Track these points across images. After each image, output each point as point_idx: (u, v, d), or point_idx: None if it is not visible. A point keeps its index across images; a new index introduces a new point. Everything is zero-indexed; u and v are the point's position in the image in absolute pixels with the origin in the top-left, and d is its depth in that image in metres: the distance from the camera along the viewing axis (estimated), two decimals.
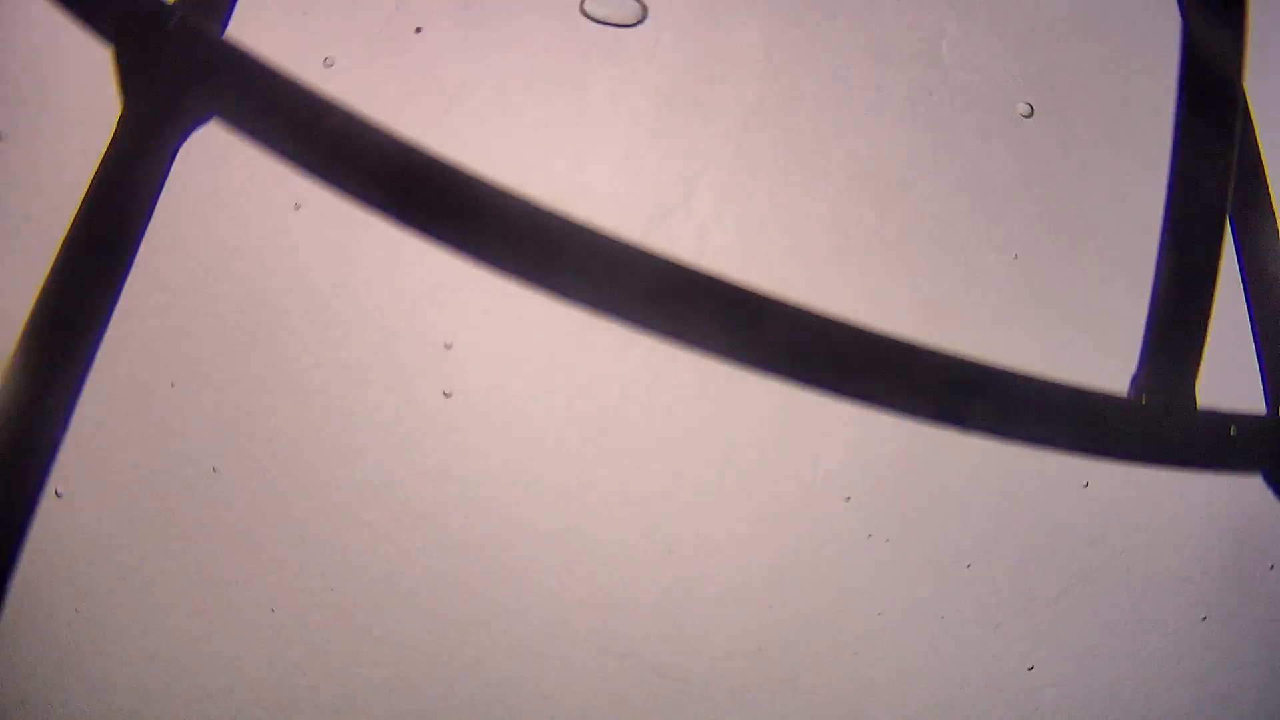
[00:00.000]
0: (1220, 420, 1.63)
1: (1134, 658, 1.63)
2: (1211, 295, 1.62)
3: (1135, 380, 1.60)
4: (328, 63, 1.53)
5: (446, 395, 1.51)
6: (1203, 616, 1.65)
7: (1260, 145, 1.70)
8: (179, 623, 1.48)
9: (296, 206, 1.51)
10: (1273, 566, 1.69)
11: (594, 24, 1.59)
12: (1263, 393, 1.69)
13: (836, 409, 1.53)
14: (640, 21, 1.58)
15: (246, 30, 1.54)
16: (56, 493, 1.47)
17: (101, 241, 1.54)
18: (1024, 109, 1.61)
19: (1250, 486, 1.67)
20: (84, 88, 1.58)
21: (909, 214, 1.59)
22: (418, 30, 1.57)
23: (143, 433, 1.51)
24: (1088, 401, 1.56)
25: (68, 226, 1.52)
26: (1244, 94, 1.68)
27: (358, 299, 1.52)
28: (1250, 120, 1.70)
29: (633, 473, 1.54)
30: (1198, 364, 1.61)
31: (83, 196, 1.53)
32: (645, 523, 1.54)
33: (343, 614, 1.49)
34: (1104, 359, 1.58)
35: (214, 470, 1.49)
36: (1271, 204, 1.71)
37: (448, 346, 1.52)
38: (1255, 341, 1.71)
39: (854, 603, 1.55)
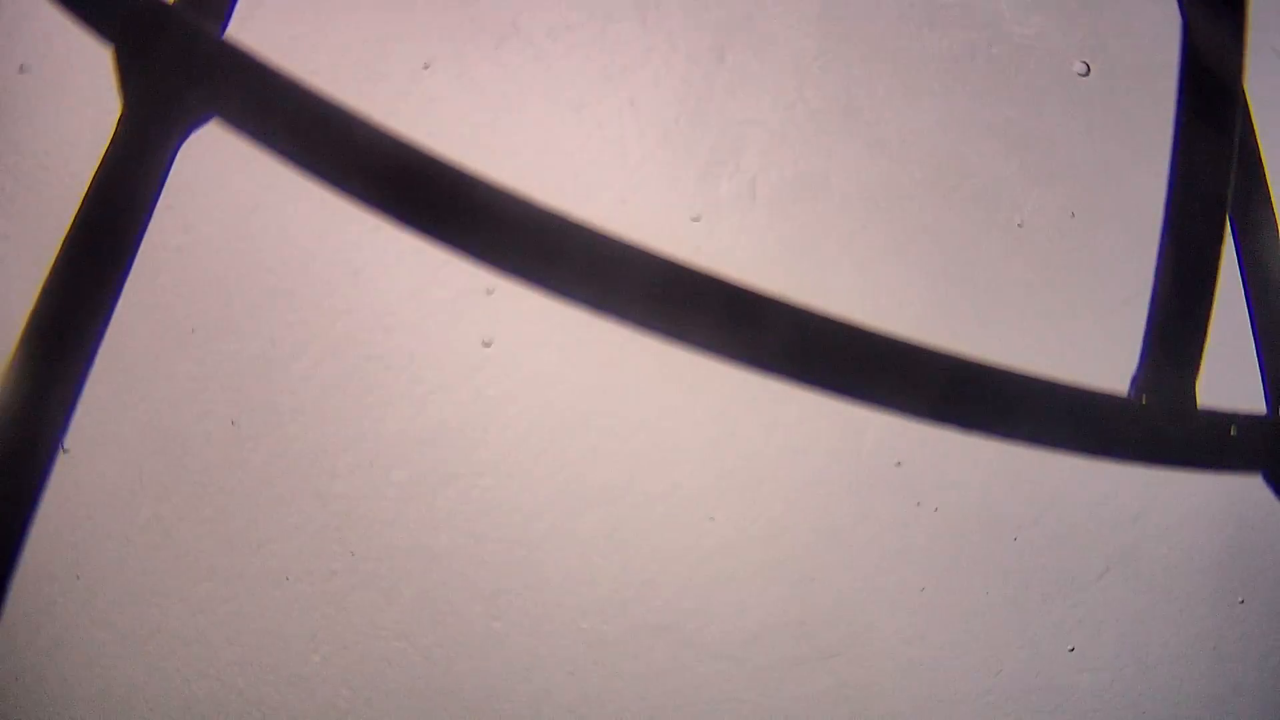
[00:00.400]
0: (1220, 420, 1.62)
1: (1171, 642, 1.61)
2: (1211, 295, 1.61)
3: (1135, 380, 1.60)
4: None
5: (486, 344, 1.46)
6: (1240, 600, 1.64)
7: (1260, 145, 1.70)
8: (186, 591, 1.43)
9: None
10: None
11: None
12: (1263, 393, 1.69)
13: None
14: None
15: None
16: (63, 448, 1.44)
17: (101, 241, 1.54)
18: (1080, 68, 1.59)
19: None
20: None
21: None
22: None
23: (156, 382, 1.46)
24: (1088, 401, 1.56)
25: (68, 226, 1.52)
26: (1244, 94, 1.68)
27: (394, 239, 1.47)
28: (1250, 120, 1.70)
29: (674, 435, 1.49)
30: (1198, 364, 1.61)
31: (83, 196, 1.53)
32: (686, 488, 1.49)
33: (362, 581, 1.43)
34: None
35: (232, 424, 1.44)
36: (1271, 203, 1.71)
37: (489, 292, 1.47)
38: (1255, 342, 1.70)
39: (898, 576, 1.52)
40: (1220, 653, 1.62)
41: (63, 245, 1.52)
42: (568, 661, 1.45)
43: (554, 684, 1.45)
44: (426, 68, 1.56)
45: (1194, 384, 1.61)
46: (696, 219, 1.50)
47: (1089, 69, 1.60)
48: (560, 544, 1.45)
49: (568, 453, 1.47)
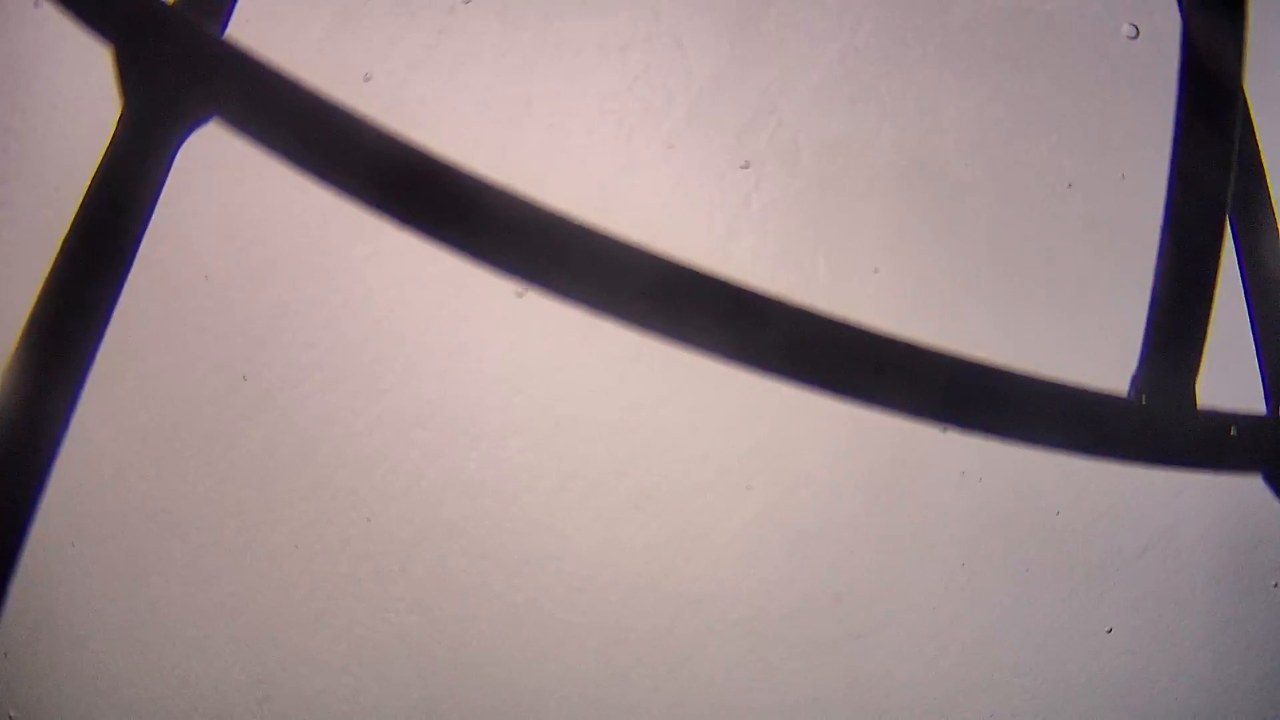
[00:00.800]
0: (1220, 420, 1.62)
1: (1208, 623, 1.60)
2: (1211, 295, 1.62)
3: (1135, 380, 1.60)
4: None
5: (519, 295, 1.42)
6: (1275, 583, 1.63)
7: (1260, 145, 1.70)
8: (186, 562, 1.37)
9: None
10: None
11: None
12: (1263, 393, 1.69)
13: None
14: None
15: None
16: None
17: (101, 241, 1.54)
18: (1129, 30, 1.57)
19: None
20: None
21: None
22: None
23: (162, 334, 1.41)
24: (1087, 401, 1.56)
25: (68, 226, 1.52)
26: (1244, 94, 1.68)
27: None
28: (1250, 120, 1.70)
29: (709, 401, 1.44)
30: (1198, 364, 1.61)
31: (82, 195, 1.53)
32: (723, 455, 1.44)
33: (378, 550, 1.37)
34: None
35: (243, 379, 1.40)
36: (1271, 203, 1.71)
37: (519, 295, 1.44)
38: (1255, 342, 1.70)
39: (940, 550, 1.49)
40: (1252, 638, 1.60)
41: (62, 245, 1.52)
42: (594, 636, 1.40)
43: (579, 660, 1.39)
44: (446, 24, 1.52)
45: (1194, 384, 1.61)
46: (745, 166, 1.47)
47: (1138, 32, 1.57)
48: (588, 513, 1.40)
49: (598, 417, 1.42)
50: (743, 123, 1.50)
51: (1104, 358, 1.58)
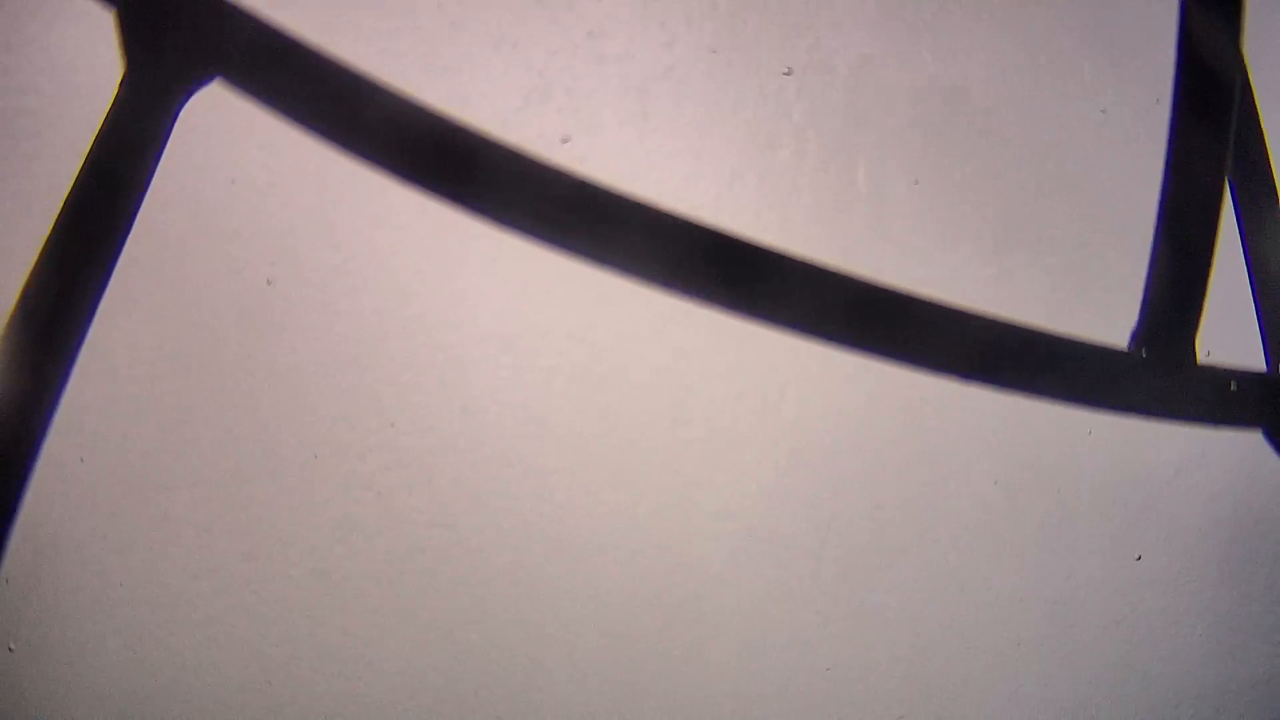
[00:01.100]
0: (1220, 375, 1.63)
1: (1234, 555, 1.60)
2: (1211, 249, 1.62)
3: (1135, 334, 1.60)
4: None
5: (564, 140, 1.42)
6: None
7: (1259, 107, 1.71)
8: (199, 472, 1.32)
9: None
10: None
11: None
12: (1263, 351, 1.69)
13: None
14: None
15: None
16: None
17: (102, 202, 1.54)
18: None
19: None
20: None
21: None
22: None
23: (186, 236, 1.36)
24: (1087, 354, 1.56)
25: (69, 187, 1.52)
26: (1243, 53, 1.69)
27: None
28: (1249, 82, 1.71)
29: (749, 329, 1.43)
30: (1197, 319, 1.61)
31: (84, 157, 1.53)
32: (758, 368, 1.42)
33: (400, 459, 1.33)
34: (1103, 311, 1.59)
35: (268, 283, 1.37)
36: (1269, 164, 1.72)
37: (565, 141, 1.42)
38: (1255, 302, 1.71)
39: (975, 467, 1.50)
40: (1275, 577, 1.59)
41: (63, 207, 1.52)
42: (624, 550, 1.37)
43: (608, 574, 1.37)
44: None
45: (1194, 339, 1.61)
46: (788, 73, 1.46)
47: None
48: (620, 423, 1.38)
49: (636, 314, 1.40)
50: (784, 31, 1.49)
51: (1104, 310, 1.58)
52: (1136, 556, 1.54)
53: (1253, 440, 1.63)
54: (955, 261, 1.51)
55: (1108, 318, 1.58)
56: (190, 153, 1.42)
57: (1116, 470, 1.52)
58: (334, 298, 1.37)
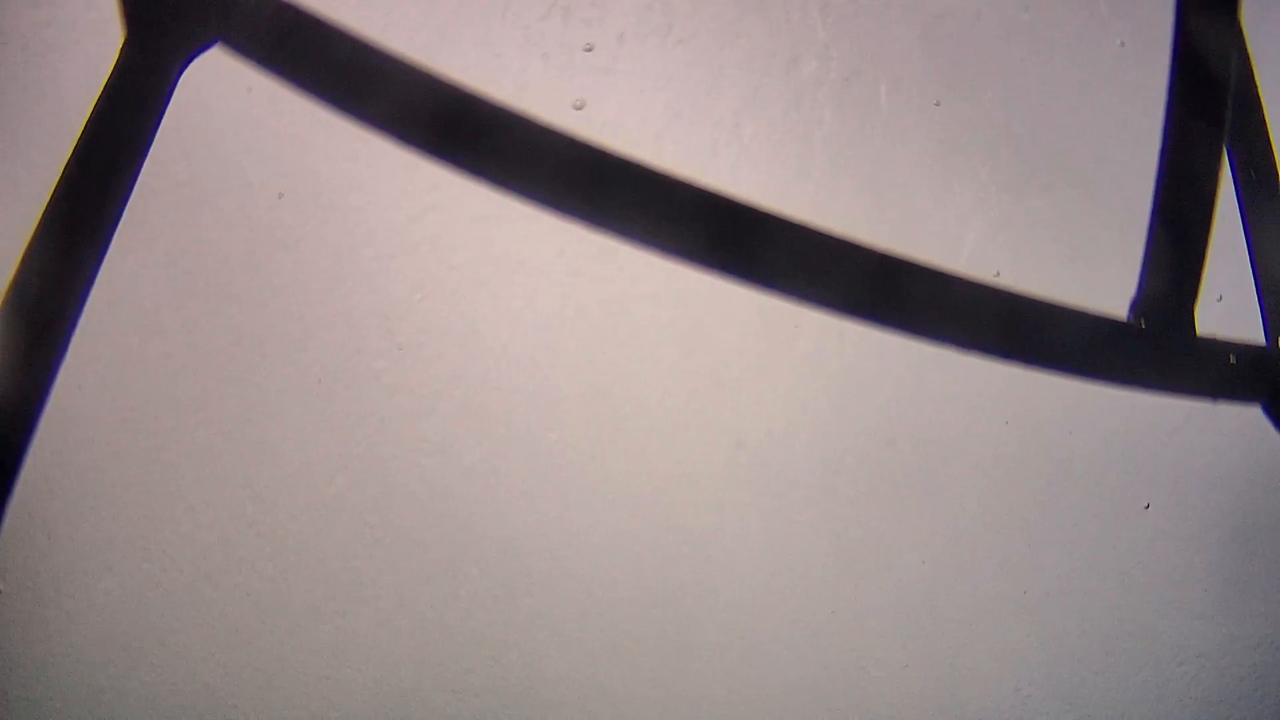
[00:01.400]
0: (1219, 348, 1.63)
1: (1242, 509, 1.59)
2: (1209, 221, 1.62)
3: (1134, 305, 1.60)
4: None
5: (587, 50, 1.40)
6: None
7: (1257, 77, 1.71)
8: (197, 398, 1.29)
9: None
10: None
11: None
12: (1262, 325, 1.69)
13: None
14: None
15: None
16: None
17: (103, 167, 1.54)
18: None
19: None
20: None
21: None
22: None
23: (197, 146, 1.34)
24: (1086, 324, 1.56)
25: (70, 151, 1.52)
26: (1241, 27, 1.69)
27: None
28: (1247, 53, 1.71)
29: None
30: (1196, 291, 1.61)
31: (84, 123, 1.53)
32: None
33: (407, 383, 1.30)
34: (1103, 282, 1.58)
35: (279, 197, 1.35)
36: (1268, 135, 1.72)
37: (588, 49, 1.40)
38: (1254, 275, 1.71)
39: (987, 412, 1.50)
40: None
41: (64, 171, 1.52)
42: (635, 478, 1.34)
43: (613, 502, 1.34)
44: None
45: (1193, 310, 1.61)
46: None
47: None
48: (635, 350, 1.35)
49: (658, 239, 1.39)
50: None
51: (1103, 281, 1.58)
52: (1145, 505, 1.54)
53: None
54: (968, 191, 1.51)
55: (1107, 286, 1.58)
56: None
57: (1128, 415, 1.53)
58: (344, 211, 1.35)
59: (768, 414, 1.45)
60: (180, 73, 1.55)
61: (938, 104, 1.49)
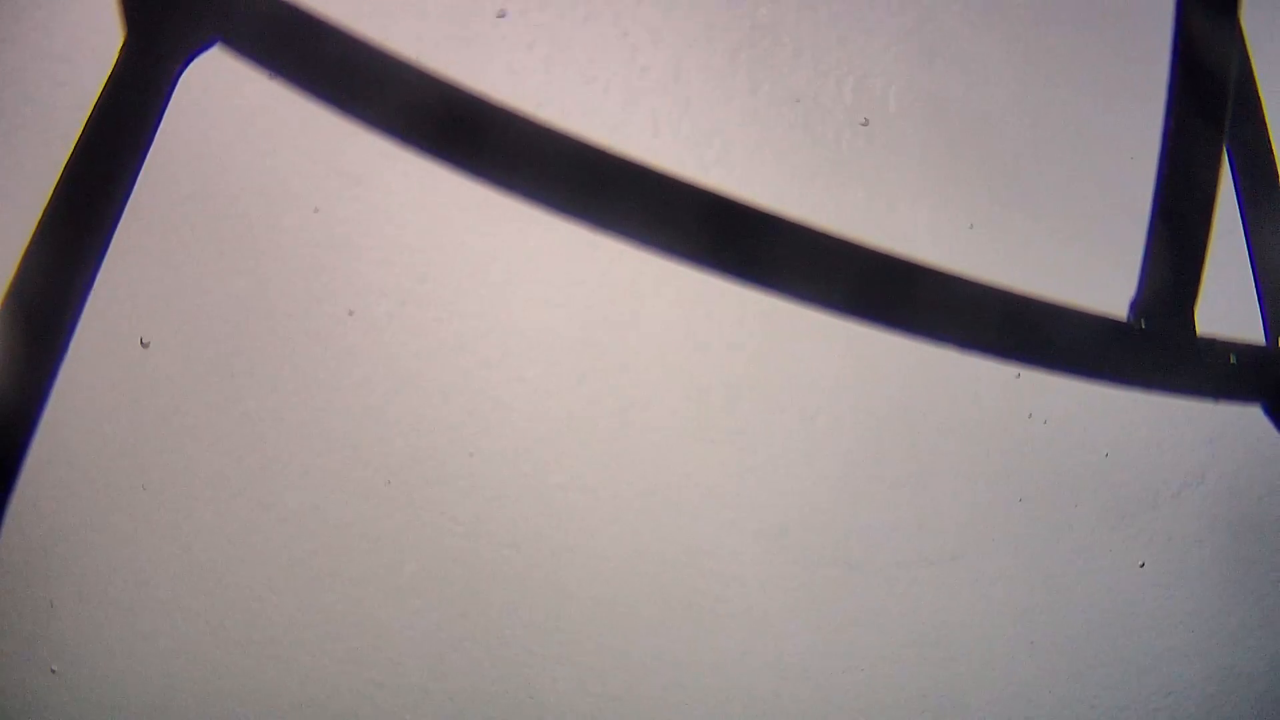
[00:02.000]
0: (1220, 348, 1.63)
1: (1236, 560, 1.62)
2: (1209, 221, 1.62)
3: (1134, 305, 1.60)
4: None
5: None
6: None
7: (1257, 76, 1.71)
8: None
9: None
10: None
11: None
12: (1262, 325, 1.69)
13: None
14: None
15: None
16: None
17: (103, 167, 1.54)
18: None
19: None
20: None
21: None
22: None
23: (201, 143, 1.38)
24: (1086, 324, 1.56)
25: (69, 152, 1.52)
26: (1241, 25, 1.69)
27: None
28: (1247, 52, 1.71)
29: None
30: (1196, 290, 1.61)
31: (84, 123, 1.53)
32: None
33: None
34: (1103, 282, 1.59)
35: (280, 198, 1.42)
36: (1268, 134, 1.72)
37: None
38: (1254, 276, 1.71)
39: (1000, 486, 1.56)
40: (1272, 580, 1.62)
41: (63, 172, 1.52)
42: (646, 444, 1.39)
43: (619, 450, 1.38)
44: None
45: (1193, 310, 1.61)
46: None
47: None
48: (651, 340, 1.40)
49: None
50: None
51: (1102, 280, 1.58)
52: (1140, 564, 1.57)
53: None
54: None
55: (1107, 286, 1.58)
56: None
57: (1126, 486, 1.59)
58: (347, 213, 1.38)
59: (774, 418, 1.49)
60: (180, 73, 1.55)
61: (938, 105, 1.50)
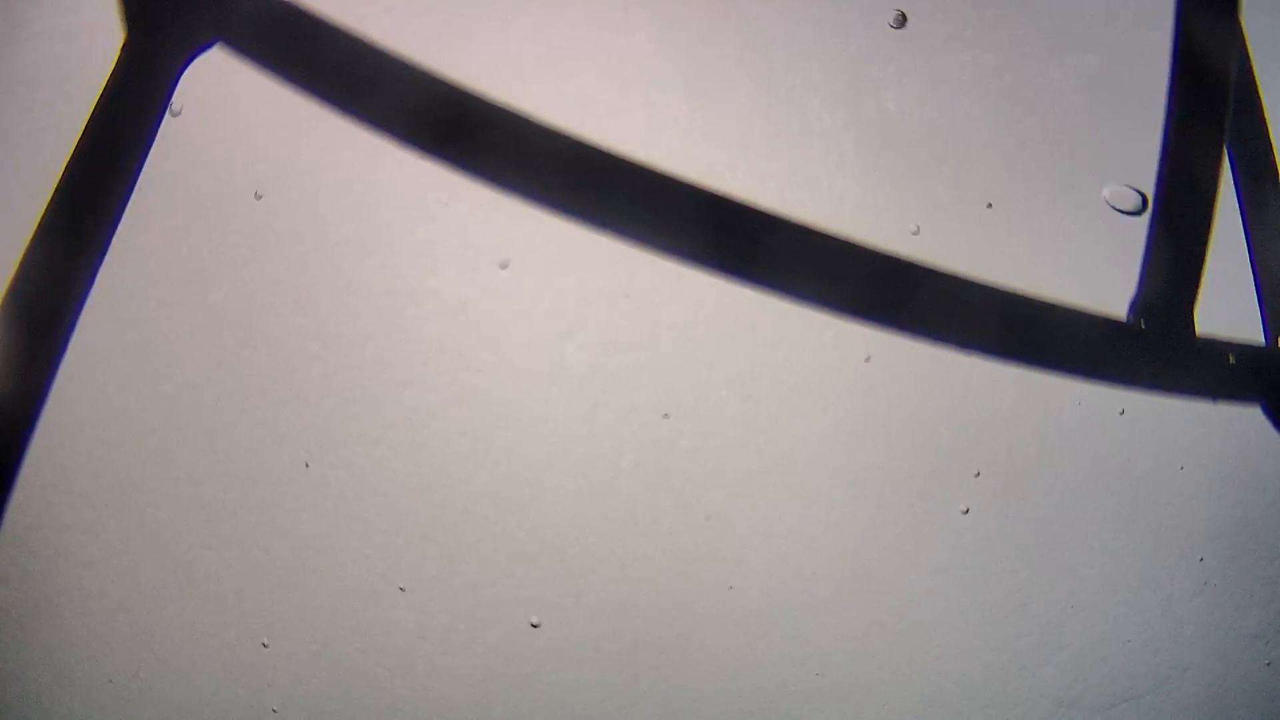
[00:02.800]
0: (1219, 348, 1.63)
1: (1235, 560, 1.62)
2: (1209, 220, 1.62)
3: (1134, 305, 1.60)
4: None
5: None
6: None
7: (1256, 75, 1.71)
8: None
9: None
10: None
11: None
12: (1261, 325, 1.69)
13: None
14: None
15: None
16: None
17: (103, 167, 1.54)
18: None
19: None
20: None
21: None
22: None
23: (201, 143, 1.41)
24: (1086, 324, 1.56)
25: (71, 150, 1.52)
26: (1241, 25, 1.70)
27: None
28: (1247, 52, 1.71)
29: None
30: (1196, 291, 1.61)
31: (86, 121, 1.54)
32: None
33: (412, 368, 1.37)
34: (1103, 282, 1.59)
35: (275, 196, 1.41)
36: (1269, 134, 1.72)
37: None
38: (1254, 276, 1.71)
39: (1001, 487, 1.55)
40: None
41: (65, 170, 1.52)
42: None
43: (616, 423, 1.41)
44: None
45: (1192, 311, 1.61)
46: None
47: None
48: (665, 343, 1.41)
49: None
50: None
51: (1102, 281, 1.59)
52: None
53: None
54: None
55: (1107, 286, 1.58)
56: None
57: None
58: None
59: (780, 424, 1.50)
60: (180, 73, 1.55)
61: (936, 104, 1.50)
